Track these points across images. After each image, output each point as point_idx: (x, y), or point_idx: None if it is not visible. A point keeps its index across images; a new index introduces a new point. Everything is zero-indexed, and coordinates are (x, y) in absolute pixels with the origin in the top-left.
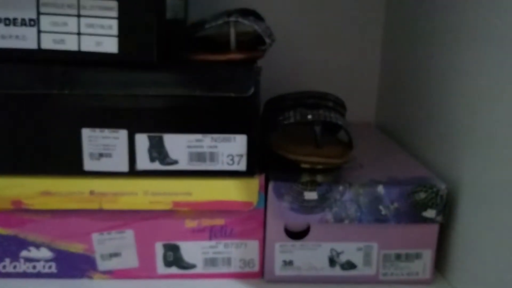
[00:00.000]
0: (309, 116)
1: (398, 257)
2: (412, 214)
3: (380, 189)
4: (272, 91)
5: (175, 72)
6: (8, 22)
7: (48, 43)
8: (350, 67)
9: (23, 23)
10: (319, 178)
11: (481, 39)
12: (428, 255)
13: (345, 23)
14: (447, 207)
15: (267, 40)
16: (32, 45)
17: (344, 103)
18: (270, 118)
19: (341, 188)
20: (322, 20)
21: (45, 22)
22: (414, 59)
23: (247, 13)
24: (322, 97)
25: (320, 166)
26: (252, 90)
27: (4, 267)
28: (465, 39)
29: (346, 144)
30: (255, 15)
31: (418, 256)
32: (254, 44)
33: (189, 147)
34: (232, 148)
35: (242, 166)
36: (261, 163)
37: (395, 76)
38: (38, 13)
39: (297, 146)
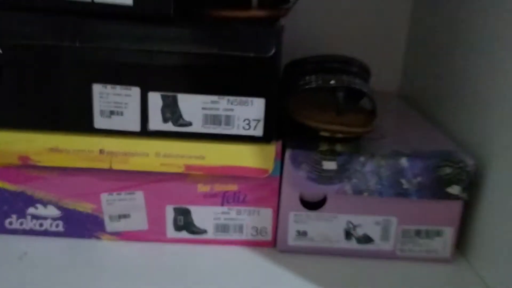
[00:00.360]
0: (332, 82)
1: (417, 233)
2: (435, 189)
3: (403, 161)
4: (293, 53)
5: (193, 28)
6: None
7: None
8: (376, 32)
9: None
10: (339, 147)
11: None
12: (449, 233)
13: None
14: (473, 183)
15: None
16: None
17: (369, 69)
18: (290, 82)
19: (362, 158)
20: None
21: None
22: (443, 27)
23: None
24: (346, 61)
25: (340, 135)
26: (273, 51)
27: (10, 223)
28: (497, 4)
29: (369, 113)
30: None
31: (438, 233)
32: (277, 1)
33: (204, 108)
34: (249, 112)
35: (258, 131)
36: (278, 129)
37: (423, 43)
38: None
39: (317, 112)
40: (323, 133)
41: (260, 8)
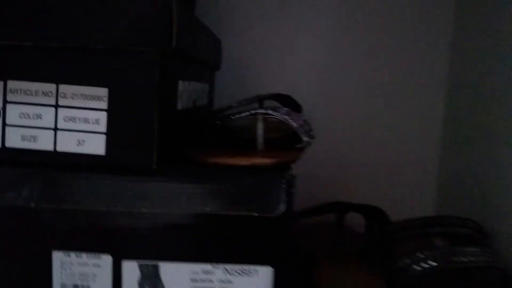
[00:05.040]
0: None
1: None
2: None
3: None
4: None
5: (180, 182)
6: None
7: (15, 140)
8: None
9: None
10: None
11: None
12: None
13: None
14: None
15: (305, 139)
16: None
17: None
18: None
19: None
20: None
21: (13, 113)
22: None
23: (281, 99)
24: (461, 225)
25: None
26: (282, 209)
27: None
28: None
29: None
30: (291, 102)
31: None
32: (288, 141)
33: (193, 280)
34: (252, 285)
35: None
36: None
37: (459, 164)
38: (5, 102)
39: None
40: None
41: (267, 153)
